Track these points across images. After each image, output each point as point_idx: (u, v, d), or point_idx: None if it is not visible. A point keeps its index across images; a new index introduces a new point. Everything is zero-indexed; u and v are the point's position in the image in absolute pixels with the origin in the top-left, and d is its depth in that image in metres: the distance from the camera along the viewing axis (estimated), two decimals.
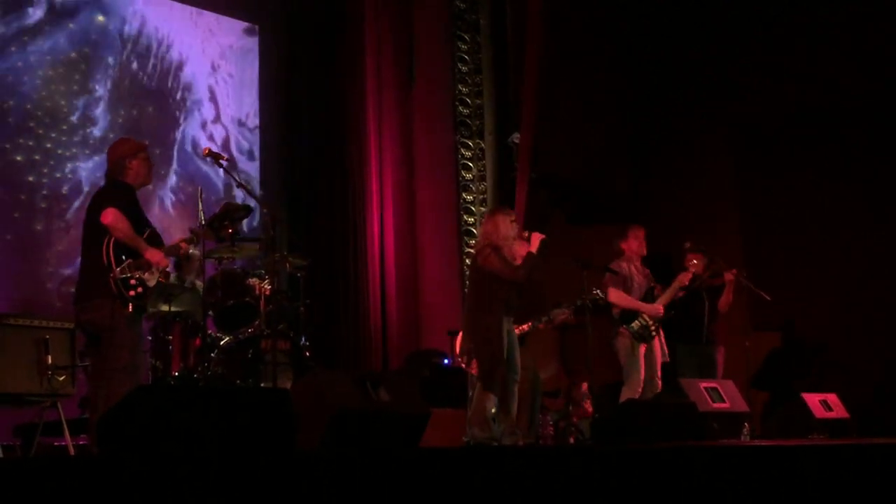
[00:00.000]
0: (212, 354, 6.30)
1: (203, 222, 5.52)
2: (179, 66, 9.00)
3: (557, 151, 9.80)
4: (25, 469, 2.78)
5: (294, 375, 6.35)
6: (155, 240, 5.05)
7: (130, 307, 4.82)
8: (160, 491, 2.65)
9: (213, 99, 9.26)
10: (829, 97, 8.83)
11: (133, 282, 4.83)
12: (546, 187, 9.72)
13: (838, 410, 6.85)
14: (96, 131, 8.31)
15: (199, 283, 6.62)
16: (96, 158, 8.09)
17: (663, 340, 6.87)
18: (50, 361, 5.62)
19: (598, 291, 6.64)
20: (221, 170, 6.49)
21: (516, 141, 9.83)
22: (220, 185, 9.05)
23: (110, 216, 4.82)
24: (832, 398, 6.91)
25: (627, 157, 10.12)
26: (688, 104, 9.68)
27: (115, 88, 8.50)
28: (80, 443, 5.80)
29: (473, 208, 10.25)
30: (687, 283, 6.94)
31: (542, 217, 9.14)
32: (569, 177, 9.96)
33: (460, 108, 10.35)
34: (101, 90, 8.41)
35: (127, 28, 8.66)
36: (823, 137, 8.90)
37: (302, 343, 6.66)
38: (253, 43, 9.69)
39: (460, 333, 6.45)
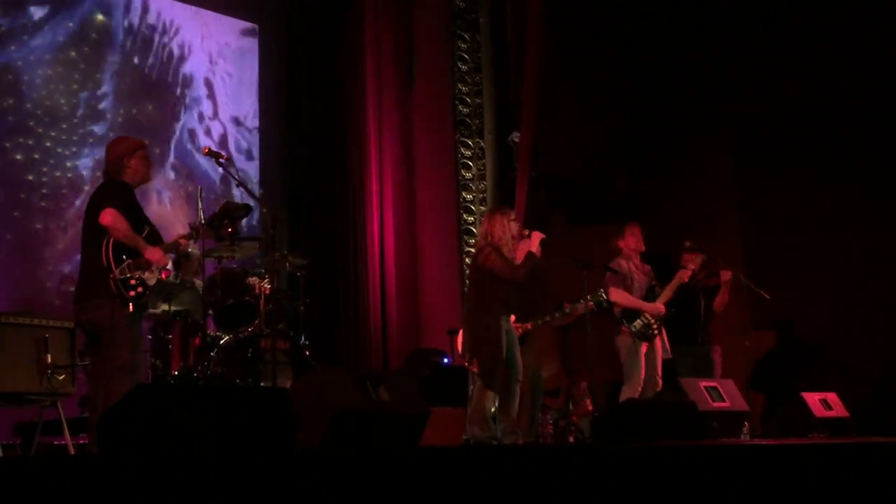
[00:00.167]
0: (211, 353, 6.30)
1: (203, 221, 5.52)
2: (179, 64, 9.01)
3: (557, 151, 9.80)
4: (25, 468, 2.77)
5: (294, 375, 6.35)
6: (154, 238, 5.05)
7: (131, 307, 4.82)
8: (160, 490, 2.65)
9: (211, 97, 9.27)
10: (829, 97, 8.83)
11: (133, 282, 4.83)
12: (546, 187, 9.72)
13: (838, 409, 6.84)
14: (96, 129, 8.32)
15: (198, 283, 6.62)
16: (96, 157, 8.09)
17: (665, 338, 6.86)
18: (50, 360, 5.61)
19: (603, 292, 6.64)
20: (219, 167, 6.48)
21: (516, 140, 9.83)
22: (217, 180, 9.06)
23: (109, 217, 4.81)
24: (832, 397, 6.91)
25: (627, 157, 10.12)
26: (688, 104, 9.68)
27: (114, 87, 8.50)
28: (80, 442, 5.80)
29: (473, 207, 10.24)
30: (686, 279, 6.93)
31: (542, 217, 9.13)
32: (569, 177, 9.96)
33: (460, 107, 10.35)
34: (100, 89, 8.42)
35: (127, 27, 8.67)
36: (823, 137, 8.89)
37: (302, 342, 6.66)
38: (253, 43, 9.70)
39: (461, 332, 6.45)
